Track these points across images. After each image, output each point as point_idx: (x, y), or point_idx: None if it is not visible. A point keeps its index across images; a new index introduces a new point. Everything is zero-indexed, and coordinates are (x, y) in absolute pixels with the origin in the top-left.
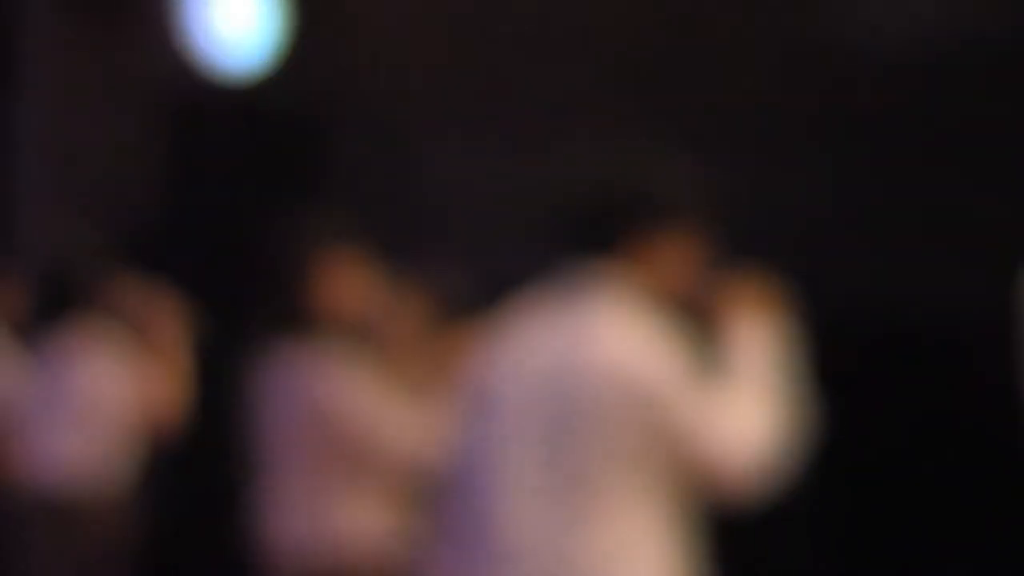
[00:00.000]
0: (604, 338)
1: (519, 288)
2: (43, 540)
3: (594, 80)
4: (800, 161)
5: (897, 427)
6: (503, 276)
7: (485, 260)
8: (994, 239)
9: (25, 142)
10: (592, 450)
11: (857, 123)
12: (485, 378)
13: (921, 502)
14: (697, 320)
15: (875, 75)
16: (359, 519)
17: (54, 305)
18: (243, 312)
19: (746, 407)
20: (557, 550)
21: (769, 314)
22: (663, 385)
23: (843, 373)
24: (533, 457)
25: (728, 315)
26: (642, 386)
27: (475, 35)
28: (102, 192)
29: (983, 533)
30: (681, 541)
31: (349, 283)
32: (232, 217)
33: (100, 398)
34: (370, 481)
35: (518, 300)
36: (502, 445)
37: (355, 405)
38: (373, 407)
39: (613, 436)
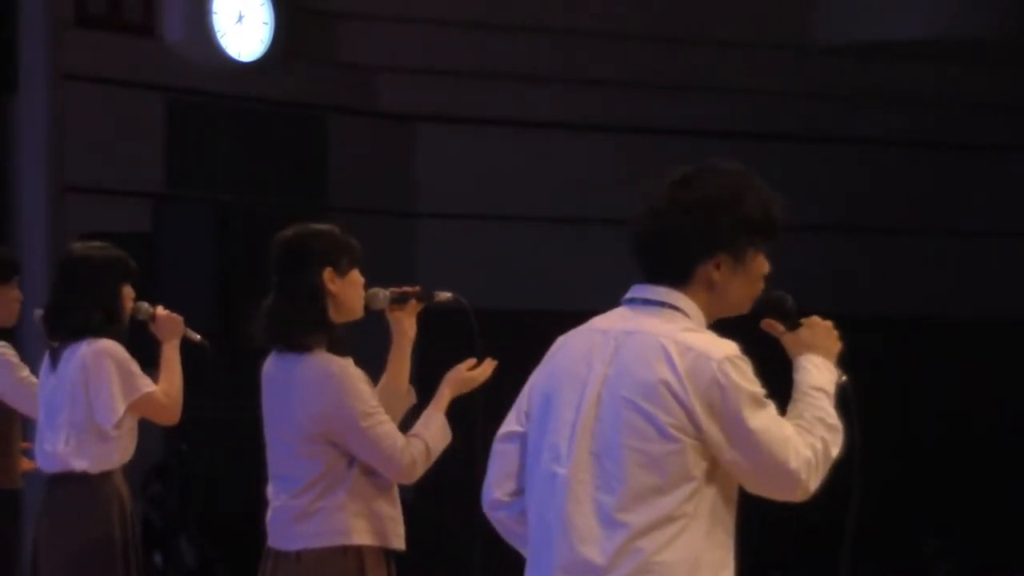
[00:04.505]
0: (668, 329)
1: (512, 282)
2: (46, 535)
3: (599, 77)
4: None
5: None
6: (498, 272)
7: (481, 257)
8: None
9: (24, 140)
10: (648, 440)
11: None
12: (544, 380)
13: None
14: (759, 340)
15: None
16: (357, 511)
17: (59, 307)
18: (243, 313)
19: (808, 422)
20: (626, 555)
21: (832, 349)
22: (732, 371)
23: None
24: (592, 460)
25: (794, 342)
26: (712, 367)
27: (473, 31)
28: (101, 190)
29: None
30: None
31: (349, 287)
32: (233, 215)
33: (102, 398)
34: (368, 475)
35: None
36: (565, 446)
37: (353, 404)
38: (370, 406)
39: (678, 420)
